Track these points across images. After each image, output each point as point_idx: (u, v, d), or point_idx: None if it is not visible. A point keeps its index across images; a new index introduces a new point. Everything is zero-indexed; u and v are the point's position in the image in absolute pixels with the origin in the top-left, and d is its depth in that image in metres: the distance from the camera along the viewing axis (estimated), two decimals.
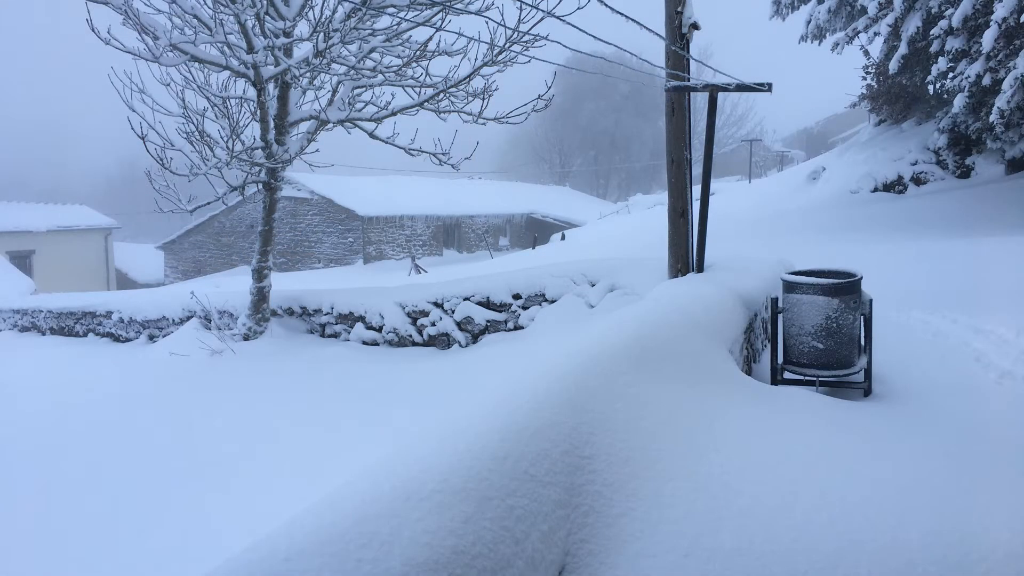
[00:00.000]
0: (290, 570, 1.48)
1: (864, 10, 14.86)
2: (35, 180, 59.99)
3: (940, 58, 12.49)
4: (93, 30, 7.25)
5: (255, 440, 5.62)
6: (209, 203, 9.00)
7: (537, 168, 62.98)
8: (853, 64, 31.10)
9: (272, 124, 8.62)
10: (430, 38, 8.21)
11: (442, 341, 8.28)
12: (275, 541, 1.57)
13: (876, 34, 14.41)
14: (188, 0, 7.56)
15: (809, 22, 17.07)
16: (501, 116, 8.60)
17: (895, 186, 16.05)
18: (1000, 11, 10.64)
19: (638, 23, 4.75)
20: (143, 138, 7.78)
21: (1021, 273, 7.43)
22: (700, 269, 6.51)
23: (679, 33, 6.29)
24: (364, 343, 8.67)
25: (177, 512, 4.51)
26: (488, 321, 8.14)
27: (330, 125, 8.83)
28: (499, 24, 5.98)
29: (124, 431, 6.19)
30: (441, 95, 8.51)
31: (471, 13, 6.74)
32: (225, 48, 7.82)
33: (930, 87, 13.38)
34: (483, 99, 8.68)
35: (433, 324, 8.31)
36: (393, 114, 8.63)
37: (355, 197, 29.88)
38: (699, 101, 23.26)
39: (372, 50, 8.40)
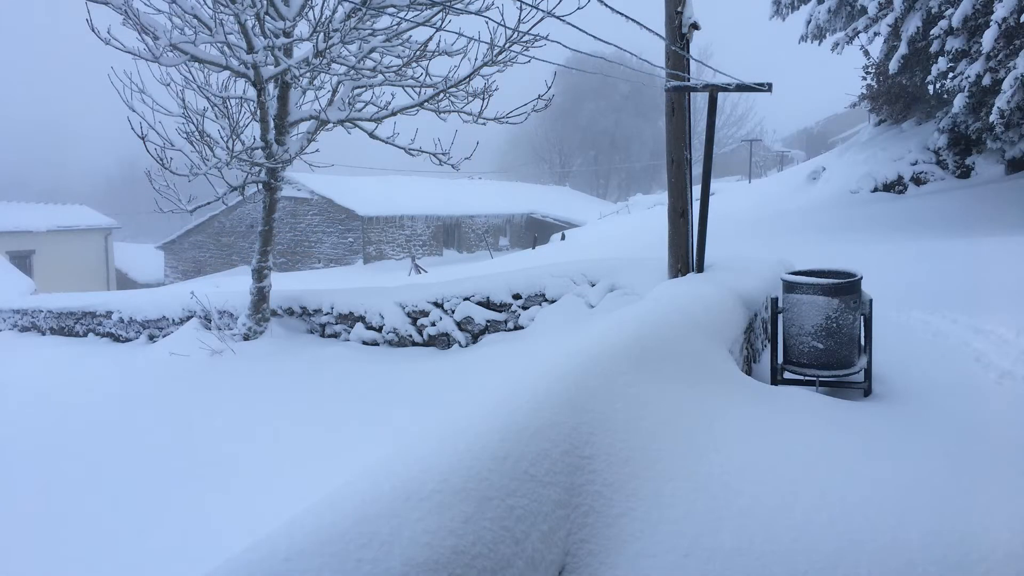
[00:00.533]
0: (290, 570, 1.48)
1: (864, 10, 14.86)
2: (35, 180, 60.00)
3: (940, 58, 12.49)
4: (93, 30, 7.25)
5: (255, 440, 5.62)
6: (209, 203, 9.00)
7: (537, 168, 62.98)
8: (853, 64, 31.10)
9: (272, 124, 8.62)
10: (430, 38, 8.21)
11: (442, 341, 8.28)
12: (275, 541, 1.57)
13: (876, 34, 14.41)
14: (188, 0, 7.56)
15: (809, 22, 17.07)
16: (501, 116, 8.60)
17: (895, 186, 16.06)
18: (1000, 11, 10.64)
19: (638, 23, 4.75)
20: (143, 138, 7.78)
21: (1021, 273, 7.43)
22: (700, 269, 6.51)
23: (679, 33, 6.29)
24: (364, 343, 8.67)
25: (177, 512, 4.51)
26: (488, 321, 8.14)
27: (330, 125, 8.83)
28: (499, 24, 5.99)
29: (124, 431, 6.20)
30: (441, 95, 8.51)
31: (471, 13, 6.74)
32: (225, 48, 7.82)
33: (930, 87, 13.38)
34: (483, 99, 8.68)
35: (433, 324, 8.31)
36: (393, 114, 8.63)
37: (355, 197, 29.89)
38: (699, 101, 23.26)
39: (372, 50, 8.40)
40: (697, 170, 7.17)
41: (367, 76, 8.71)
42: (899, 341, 5.82)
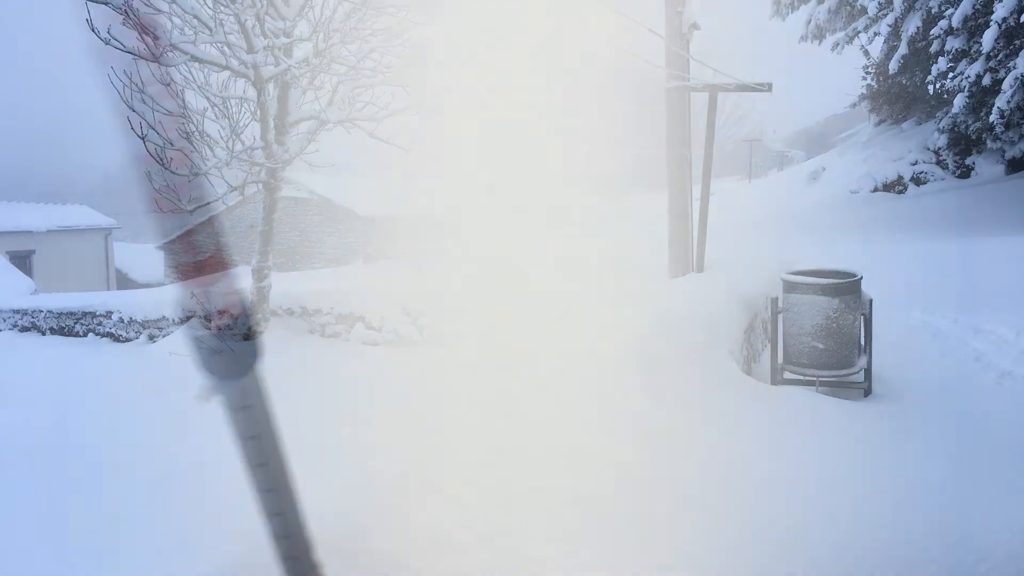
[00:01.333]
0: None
1: (864, 10, 14.87)
2: (35, 180, 59.95)
3: (940, 58, 12.49)
4: (93, 30, 7.23)
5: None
6: (209, 203, 8.98)
7: None
8: (853, 64, 31.02)
9: (272, 124, 8.61)
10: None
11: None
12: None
13: (876, 34, 14.41)
14: (188, 0, 7.55)
15: (809, 22, 17.07)
16: None
17: (895, 186, 16.05)
18: (1000, 11, 10.64)
19: (638, 23, 4.75)
20: (143, 138, 7.76)
21: (1021, 273, 7.43)
22: (700, 269, 6.51)
23: (679, 33, 6.28)
24: (364, 343, 8.66)
25: (177, 512, 4.51)
26: None
27: (330, 125, 8.82)
28: None
29: (124, 431, 6.19)
30: None
31: None
32: (225, 48, 7.81)
33: (930, 87, 13.39)
34: None
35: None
36: (393, 114, 8.62)
37: (355, 197, 29.85)
38: (699, 101, 23.23)
39: (372, 50, 8.39)
40: (697, 170, 7.16)
41: (367, 76, 8.70)
42: (899, 341, 5.82)
